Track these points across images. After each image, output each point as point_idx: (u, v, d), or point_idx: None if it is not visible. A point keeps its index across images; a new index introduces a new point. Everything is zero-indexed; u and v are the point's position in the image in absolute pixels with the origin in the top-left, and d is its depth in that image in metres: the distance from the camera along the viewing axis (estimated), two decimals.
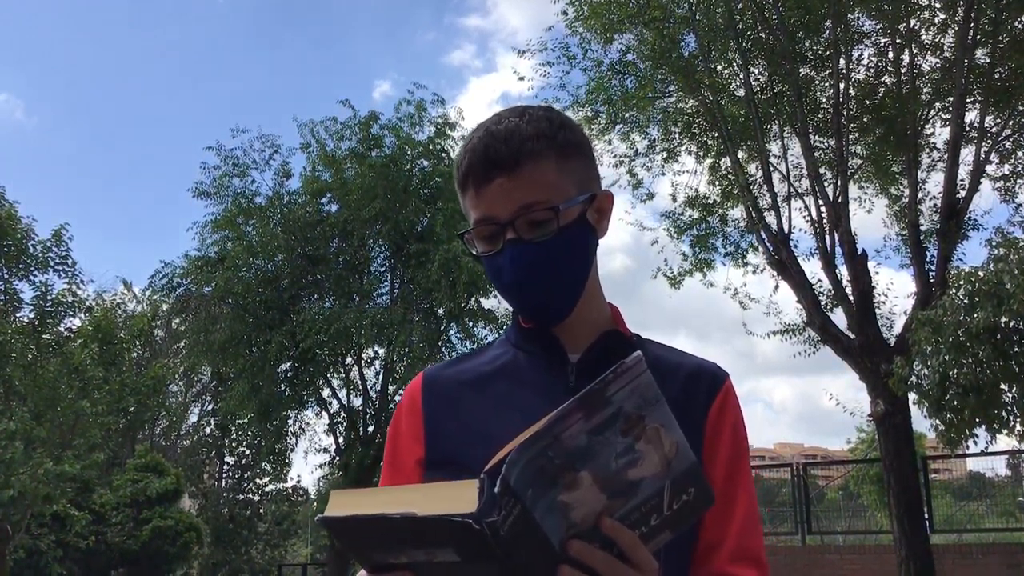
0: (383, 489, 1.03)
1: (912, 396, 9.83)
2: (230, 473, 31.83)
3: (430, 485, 1.06)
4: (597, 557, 1.01)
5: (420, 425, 1.39)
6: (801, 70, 13.75)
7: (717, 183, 15.32)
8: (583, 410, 0.96)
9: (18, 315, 17.03)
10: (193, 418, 32.65)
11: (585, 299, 1.36)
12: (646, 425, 1.01)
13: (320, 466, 23.65)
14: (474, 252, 1.35)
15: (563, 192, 1.30)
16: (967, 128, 13.08)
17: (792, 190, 13.97)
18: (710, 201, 15.41)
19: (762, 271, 14.93)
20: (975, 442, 9.10)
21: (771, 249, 13.50)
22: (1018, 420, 8.71)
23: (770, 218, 13.68)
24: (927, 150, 14.19)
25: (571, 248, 1.31)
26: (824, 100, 14.12)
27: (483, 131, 1.31)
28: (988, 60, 13.14)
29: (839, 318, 12.92)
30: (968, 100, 13.04)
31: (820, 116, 14.08)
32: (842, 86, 13.27)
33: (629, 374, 0.98)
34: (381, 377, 21.54)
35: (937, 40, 13.80)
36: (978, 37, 12.79)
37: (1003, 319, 8.42)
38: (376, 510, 0.95)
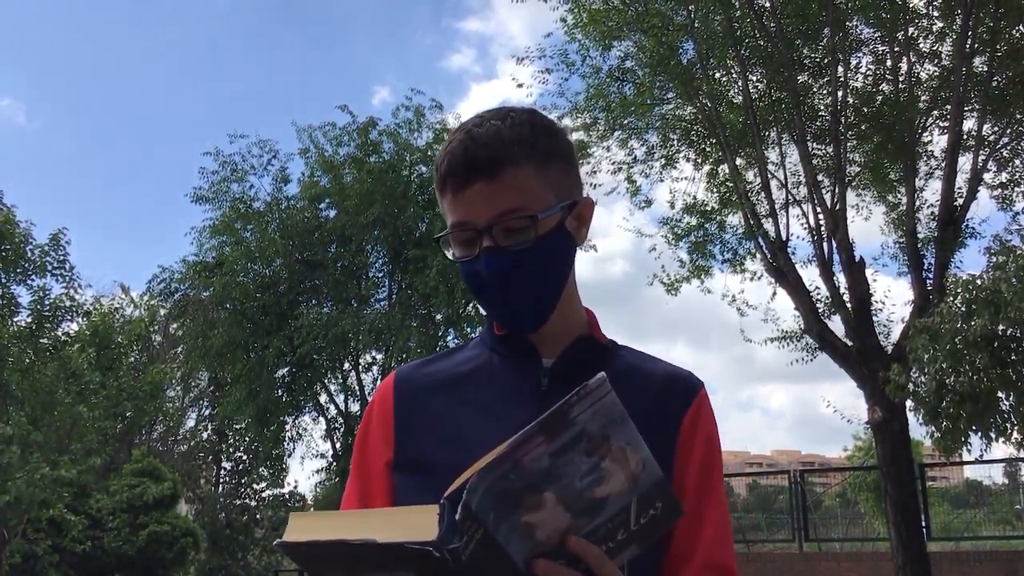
0: (343, 513, 1.02)
1: (909, 403, 9.83)
2: (227, 478, 31.70)
3: (391, 510, 1.07)
4: (563, 574, 1.01)
5: (390, 427, 1.38)
6: (799, 77, 13.76)
7: (715, 190, 15.34)
8: (545, 433, 0.96)
9: (15, 319, 16.99)
10: (190, 423, 32.59)
11: (561, 305, 1.34)
12: (611, 444, 1.00)
13: (317, 471, 23.62)
14: (451, 257, 1.33)
15: (542, 199, 1.28)
16: (965, 136, 13.10)
17: (790, 197, 13.99)
18: (708, 208, 15.42)
19: (760, 278, 14.94)
20: (968, 450, 9.11)
21: (769, 256, 13.51)
22: (1015, 428, 8.72)
23: (768, 225, 13.70)
24: (925, 158, 14.21)
25: (548, 257, 1.29)
26: (822, 107, 14.14)
27: (463, 133, 1.28)
28: (986, 68, 13.16)
29: (837, 325, 12.93)
30: (966, 108, 13.06)
31: (818, 123, 14.09)
32: (840, 94, 13.28)
33: (592, 396, 0.98)
34: (379, 383, 21.52)
35: (935, 48, 13.83)
36: (976, 45, 12.81)
37: (1000, 327, 8.43)
38: (336, 535, 0.94)
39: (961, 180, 12.96)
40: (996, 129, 13.78)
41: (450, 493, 0.97)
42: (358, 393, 21.70)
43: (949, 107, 12.95)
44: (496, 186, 1.25)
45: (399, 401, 1.40)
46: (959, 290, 9.11)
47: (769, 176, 13.75)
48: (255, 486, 30.55)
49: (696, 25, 13.93)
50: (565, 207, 1.31)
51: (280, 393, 21.17)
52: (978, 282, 8.93)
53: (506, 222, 1.25)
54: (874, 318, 12.80)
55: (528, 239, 1.26)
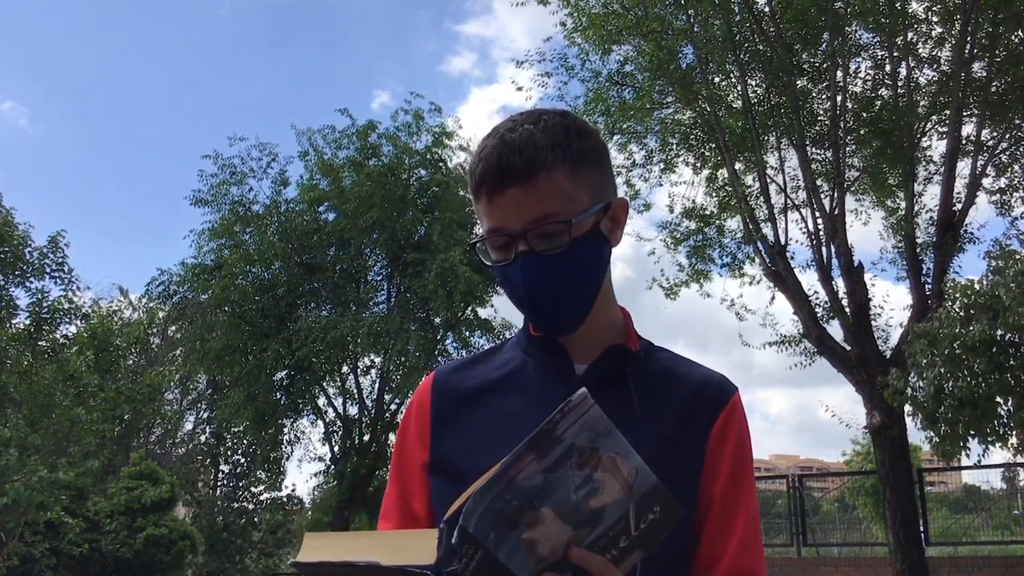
0: (354, 534, 1.07)
1: (908, 408, 9.83)
2: (225, 481, 31.67)
3: (398, 532, 1.14)
4: None
5: (427, 429, 1.41)
6: (799, 82, 13.78)
7: (714, 194, 15.36)
8: (535, 451, 0.99)
9: (14, 322, 16.97)
10: (188, 426, 32.52)
11: (596, 308, 1.35)
12: (601, 456, 1.03)
13: (315, 475, 23.58)
14: (488, 261, 1.34)
15: (577, 203, 1.28)
16: (964, 141, 13.12)
17: (789, 202, 14.01)
18: (707, 212, 15.45)
19: (759, 282, 14.97)
20: (967, 455, 9.10)
21: (768, 260, 13.51)
22: (1014, 433, 8.72)
23: (767, 229, 13.72)
24: (924, 163, 14.22)
25: (583, 260, 1.30)
26: (821, 112, 14.15)
27: (497, 138, 1.28)
28: (985, 73, 13.19)
29: (835, 330, 12.95)
30: (965, 113, 13.08)
31: (817, 128, 14.11)
32: (839, 98, 13.30)
33: (576, 411, 1.00)
34: (377, 386, 21.51)
35: (934, 53, 13.85)
36: (975, 51, 12.83)
37: (999, 332, 8.43)
38: (344, 556, 1.00)
39: (960, 185, 13.00)
40: (995, 134, 13.80)
41: (449, 516, 1.01)
42: (356, 396, 21.65)
43: (948, 112, 12.98)
44: (530, 191, 1.26)
45: (436, 404, 1.42)
46: (958, 295, 9.11)
47: (768, 181, 13.77)
48: (253, 489, 30.55)
49: (696, 30, 13.96)
50: (599, 209, 1.32)
51: (278, 396, 21.13)
52: (977, 287, 8.94)
53: (541, 227, 1.26)
54: (873, 323, 12.81)
55: (563, 244, 1.27)
